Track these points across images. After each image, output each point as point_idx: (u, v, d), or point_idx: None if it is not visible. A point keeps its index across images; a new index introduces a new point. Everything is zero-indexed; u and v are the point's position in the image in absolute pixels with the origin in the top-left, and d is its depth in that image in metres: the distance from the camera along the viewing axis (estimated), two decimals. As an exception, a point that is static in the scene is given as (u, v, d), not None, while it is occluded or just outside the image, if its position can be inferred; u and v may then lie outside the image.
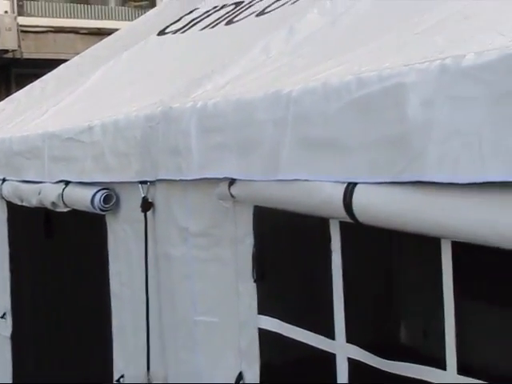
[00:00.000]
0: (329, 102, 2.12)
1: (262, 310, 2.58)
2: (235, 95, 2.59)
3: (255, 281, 2.57)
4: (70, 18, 14.68)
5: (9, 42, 13.35)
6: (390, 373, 2.05)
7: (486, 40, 1.87)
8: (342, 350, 2.25)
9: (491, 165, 1.64)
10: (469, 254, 1.85)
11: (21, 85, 6.57)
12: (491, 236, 1.67)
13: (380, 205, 1.94)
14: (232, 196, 2.51)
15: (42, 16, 14.44)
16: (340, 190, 2.05)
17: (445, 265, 1.91)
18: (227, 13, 4.48)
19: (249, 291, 2.59)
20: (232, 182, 2.48)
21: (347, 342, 2.24)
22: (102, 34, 11.29)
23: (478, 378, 1.85)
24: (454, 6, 2.44)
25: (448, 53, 1.89)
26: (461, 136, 1.71)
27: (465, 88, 1.73)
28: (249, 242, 2.57)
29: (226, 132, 2.50)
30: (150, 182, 2.92)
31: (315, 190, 2.14)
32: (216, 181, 2.56)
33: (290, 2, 4.06)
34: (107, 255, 3.30)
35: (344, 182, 2.04)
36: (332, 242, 2.28)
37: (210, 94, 2.78)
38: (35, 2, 14.51)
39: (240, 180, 2.45)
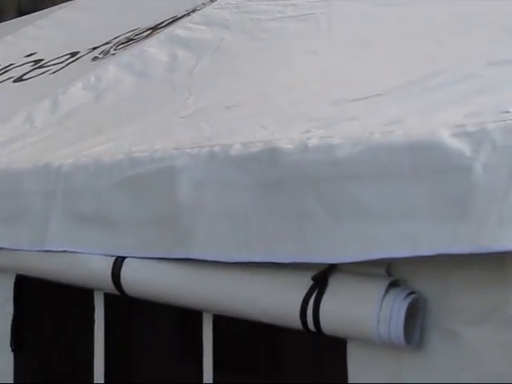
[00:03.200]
0: (100, 178, 2.22)
1: (18, 379, 2.58)
2: (1, 164, 2.61)
3: (13, 350, 2.58)
4: None
5: None
6: None
7: (249, 132, 2.07)
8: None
9: (255, 247, 1.82)
10: (229, 327, 2.01)
11: None
12: (252, 311, 1.84)
13: (148, 279, 2.06)
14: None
15: None
16: (109, 263, 2.14)
17: (205, 336, 2.06)
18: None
19: (5, 361, 2.59)
20: (-3, 250, 2.50)
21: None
22: None
23: None
24: (214, 96, 2.65)
25: (216, 141, 2.07)
26: (229, 219, 1.88)
27: (232, 175, 1.90)
28: (8, 309, 2.58)
29: (-8, 201, 2.52)
30: None
31: (83, 261, 2.22)
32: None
33: (49, 72, 4.12)
34: None
35: (113, 256, 2.14)
36: (96, 312, 2.35)
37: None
38: None
39: (4, 248, 2.47)
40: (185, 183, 1.99)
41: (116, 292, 2.16)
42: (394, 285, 1.67)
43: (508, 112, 1.58)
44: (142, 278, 2.09)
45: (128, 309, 2.32)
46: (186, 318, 2.17)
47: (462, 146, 1.54)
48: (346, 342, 1.77)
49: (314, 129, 1.90)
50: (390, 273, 1.70)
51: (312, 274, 1.75)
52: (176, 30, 3.53)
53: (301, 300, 1.75)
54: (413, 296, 1.64)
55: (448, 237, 1.49)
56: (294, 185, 1.77)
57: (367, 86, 2.17)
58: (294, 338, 1.89)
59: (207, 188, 1.94)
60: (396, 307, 1.62)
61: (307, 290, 1.75)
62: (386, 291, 1.64)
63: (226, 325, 2.02)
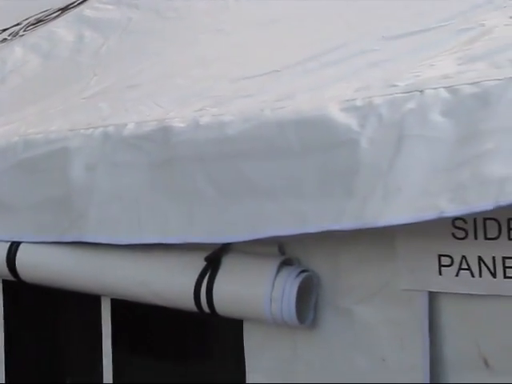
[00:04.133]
0: (-5, 162, 2.15)
1: None
2: None
3: None
4: None
5: None
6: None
7: (146, 111, 2.02)
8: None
9: (147, 228, 1.77)
10: (127, 308, 1.96)
11: None
12: (146, 294, 1.80)
13: (43, 264, 2.00)
14: None
15: None
16: (3, 248, 2.08)
17: (104, 320, 2.01)
18: None
19: None
20: None
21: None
22: None
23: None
24: (118, 76, 2.59)
25: (111, 121, 2.02)
26: (121, 200, 1.83)
27: (125, 155, 1.85)
28: None
29: None
30: None
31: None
32: None
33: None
34: None
35: (8, 241, 2.07)
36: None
37: None
38: None
39: None
40: (78, 164, 1.93)
41: (12, 278, 2.09)
42: (286, 263, 1.64)
43: (396, 86, 1.56)
44: (37, 263, 2.03)
45: (29, 295, 2.25)
46: (86, 303, 2.11)
47: (349, 120, 1.52)
48: (242, 323, 1.74)
49: (209, 107, 1.86)
50: (283, 251, 1.67)
51: (206, 254, 1.72)
52: (84, 10, 3.45)
53: (194, 281, 1.71)
54: (305, 274, 1.62)
55: (335, 213, 1.46)
56: (185, 164, 1.73)
57: (266, 63, 2.13)
58: (191, 320, 1.85)
59: (100, 169, 1.89)
60: (288, 286, 1.60)
61: (200, 271, 1.71)
62: (278, 270, 1.62)
63: (124, 308, 1.97)
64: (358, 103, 1.55)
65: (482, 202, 1.26)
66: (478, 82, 1.43)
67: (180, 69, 2.46)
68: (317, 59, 1.98)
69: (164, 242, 1.74)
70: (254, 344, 1.74)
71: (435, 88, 1.48)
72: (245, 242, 1.64)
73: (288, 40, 2.34)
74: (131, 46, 2.98)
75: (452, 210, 1.29)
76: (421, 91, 1.49)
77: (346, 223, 1.44)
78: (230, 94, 1.96)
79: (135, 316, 1.99)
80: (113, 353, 2.00)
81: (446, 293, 1.49)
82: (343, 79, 1.76)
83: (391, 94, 1.53)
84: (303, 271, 1.62)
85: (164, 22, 3.12)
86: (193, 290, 1.71)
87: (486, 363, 1.46)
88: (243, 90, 1.95)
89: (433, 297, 1.50)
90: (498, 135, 1.32)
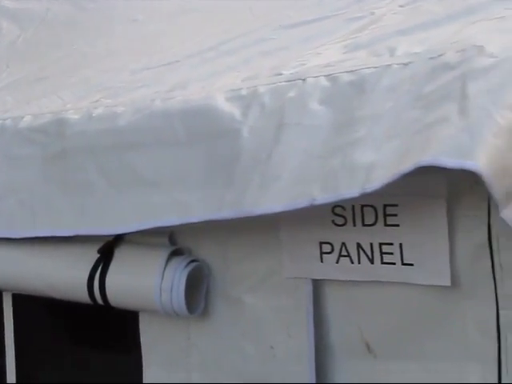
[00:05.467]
0: None
1: None
2: None
3: None
4: None
5: None
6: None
7: (46, 103, 2.01)
8: None
9: (41, 220, 1.76)
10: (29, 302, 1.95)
11: None
12: (42, 287, 1.78)
13: None
14: None
15: None
16: None
17: (6, 314, 1.99)
18: None
19: None
20: None
21: None
22: None
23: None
24: (30, 69, 2.57)
25: (11, 113, 1.99)
26: (16, 193, 1.81)
27: (20, 148, 1.83)
28: None
29: None
30: None
31: None
32: None
33: None
34: None
35: None
36: None
37: None
38: None
39: None
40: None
41: None
42: (177, 254, 1.64)
43: (281, 74, 1.57)
44: None
45: None
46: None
47: (233, 109, 1.52)
48: (138, 315, 1.74)
49: (104, 98, 1.85)
50: (174, 242, 1.67)
51: (99, 246, 1.71)
52: (3, 1, 3.40)
53: (87, 274, 1.70)
54: (194, 264, 1.62)
55: (216, 203, 1.46)
56: (77, 156, 1.72)
57: (170, 54, 2.13)
58: (91, 312, 1.84)
59: (-4, 163, 1.87)
60: (177, 276, 1.60)
61: (93, 263, 1.70)
62: (168, 261, 1.62)
63: (25, 302, 1.96)
64: (243, 92, 1.55)
65: (349, 189, 1.26)
66: (356, 70, 1.44)
67: (90, 60, 2.45)
68: (216, 49, 1.98)
69: (56, 234, 1.72)
70: (149, 335, 1.74)
71: (316, 76, 1.49)
72: (137, 233, 1.64)
73: (196, 30, 2.34)
74: (47, 37, 2.95)
75: (322, 197, 1.30)
76: (303, 80, 1.50)
77: (226, 212, 1.44)
78: (127, 85, 1.95)
79: (37, 311, 1.98)
80: (15, 349, 1.98)
81: (330, 280, 1.50)
82: (235, 68, 1.76)
83: (275, 83, 1.53)
84: (193, 261, 1.62)
85: (82, 13, 3.09)
86: (86, 283, 1.70)
87: (369, 348, 1.48)
88: (141, 80, 1.95)
89: (317, 284, 1.51)
90: (369, 122, 1.33)
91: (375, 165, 1.26)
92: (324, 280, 1.51)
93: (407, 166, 1.18)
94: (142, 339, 1.75)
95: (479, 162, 1.11)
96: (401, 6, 1.79)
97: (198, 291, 1.64)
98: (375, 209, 1.40)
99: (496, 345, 1.33)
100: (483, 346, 1.35)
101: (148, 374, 1.75)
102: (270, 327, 1.56)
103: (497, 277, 1.32)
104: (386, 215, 1.39)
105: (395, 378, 1.46)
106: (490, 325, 1.34)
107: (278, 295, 1.55)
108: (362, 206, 1.41)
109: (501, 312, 1.32)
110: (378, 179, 1.23)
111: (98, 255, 1.70)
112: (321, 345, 1.53)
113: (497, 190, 1.13)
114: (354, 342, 1.49)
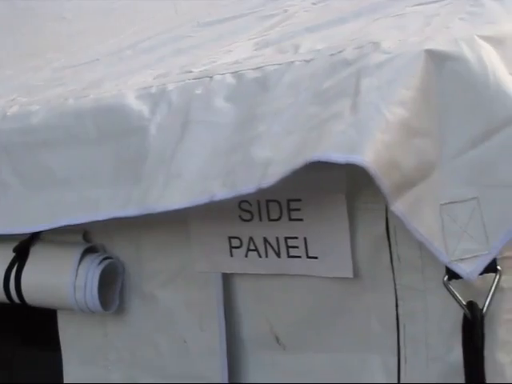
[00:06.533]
0: None
1: None
2: None
3: None
4: None
5: None
6: None
7: None
8: None
9: None
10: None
11: None
12: None
13: None
14: None
15: None
16: None
17: None
18: None
19: None
20: None
21: None
22: None
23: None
24: None
25: None
26: None
27: None
28: None
29: None
30: None
31: None
32: None
33: None
34: None
35: None
36: None
37: None
38: None
39: None
40: None
41: None
42: (92, 251, 1.65)
43: (191, 72, 1.58)
44: None
45: None
46: None
47: (142, 107, 1.53)
48: (56, 313, 1.75)
49: (20, 97, 1.85)
50: (89, 239, 1.68)
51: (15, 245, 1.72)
52: None
53: (3, 273, 1.71)
54: (108, 261, 1.63)
55: (123, 200, 1.48)
56: (-8, 155, 1.72)
57: (92, 52, 2.14)
58: (11, 311, 1.85)
59: None
60: (90, 274, 1.61)
61: (9, 262, 1.70)
62: (82, 259, 1.62)
63: None
64: (153, 90, 1.56)
65: (246, 185, 1.28)
66: (261, 67, 1.46)
67: (14, 59, 2.44)
68: (134, 47, 1.99)
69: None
70: (68, 333, 1.75)
71: (223, 74, 1.50)
72: (52, 232, 1.64)
73: (120, 28, 2.35)
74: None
75: (222, 193, 1.32)
76: (210, 77, 1.52)
77: (131, 210, 1.45)
78: (47, 83, 1.95)
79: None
80: None
81: (239, 274, 1.52)
82: (150, 66, 1.77)
83: (184, 81, 1.55)
84: (107, 258, 1.63)
85: (14, 11, 3.08)
86: (2, 282, 1.70)
87: (278, 341, 1.50)
88: (61, 79, 1.95)
89: (227, 278, 1.53)
90: (269, 119, 1.35)
91: (272, 161, 1.28)
92: (234, 274, 1.53)
93: (299, 161, 1.20)
94: (61, 337, 1.75)
95: (366, 156, 1.14)
96: (313, 4, 1.82)
97: (113, 288, 1.65)
98: (280, 204, 1.42)
99: (395, 335, 1.36)
100: (384, 336, 1.38)
101: (68, 372, 1.76)
102: (183, 322, 1.58)
103: (395, 268, 1.35)
104: (290, 210, 1.42)
105: (304, 369, 1.48)
106: (390, 316, 1.37)
107: (189, 290, 1.56)
108: (267, 201, 1.43)
109: (399, 303, 1.35)
110: (274, 175, 1.25)
111: (14, 254, 1.70)
112: (233, 338, 1.55)
113: (384, 183, 1.16)
114: (264, 334, 1.51)
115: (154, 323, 1.62)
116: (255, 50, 1.62)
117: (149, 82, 1.62)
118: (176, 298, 1.59)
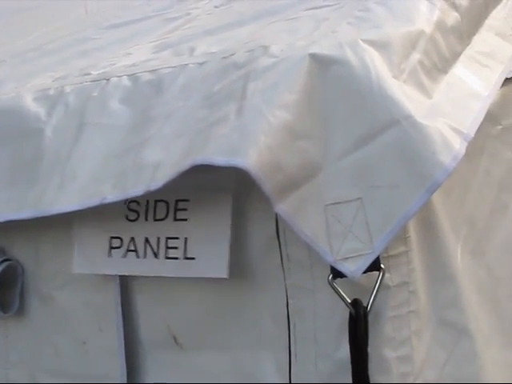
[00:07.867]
0: None
1: None
2: None
3: None
4: None
5: None
6: None
7: None
8: None
9: None
10: None
11: None
12: None
13: None
14: None
15: None
16: None
17: None
18: None
19: None
20: None
21: None
22: None
23: None
24: None
25: None
26: None
27: None
28: None
29: None
30: None
31: None
32: None
33: None
34: None
35: None
36: None
37: None
38: None
39: None
40: None
41: None
42: (-8, 254, 1.65)
43: (89, 74, 1.59)
44: None
45: None
46: None
47: (39, 109, 1.54)
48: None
49: None
50: (-10, 242, 1.68)
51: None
52: None
53: None
54: (6, 263, 1.63)
55: (18, 203, 1.48)
56: None
57: (0, 52, 2.12)
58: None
59: None
60: (-11, 276, 1.60)
61: None
62: (-17, 261, 1.62)
63: None
64: (51, 92, 1.57)
65: (136, 187, 1.30)
66: (156, 70, 1.48)
67: None
68: (39, 49, 1.98)
69: None
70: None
71: (119, 76, 1.52)
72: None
73: (30, 29, 2.33)
74: None
75: (112, 196, 1.33)
76: (108, 79, 1.53)
77: (26, 212, 1.46)
78: None
79: None
80: None
81: (138, 276, 1.53)
82: (52, 68, 1.77)
83: (81, 83, 1.56)
84: (5, 260, 1.63)
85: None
86: None
87: (176, 340, 1.52)
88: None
89: (125, 279, 1.54)
90: (161, 121, 1.37)
91: (161, 164, 1.29)
92: (132, 275, 1.53)
93: (185, 164, 1.22)
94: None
95: (247, 159, 1.16)
96: (216, 7, 1.83)
97: (13, 290, 1.64)
98: (168, 204, 1.43)
99: (287, 333, 1.39)
100: (276, 335, 1.40)
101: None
102: (82, 323, 1.58)
103: (285, 268, 1.38)
104: (176, 210, 1.42)
105: (201, 368, 1.50)
106: (281, 314, 1.39)
107: (88, 291, 1.57)
108: (156, 202, 1.44)
109: (289, 301, 1.38)
110: (163, 178, 1.27)
111: None
112: (132, 338, 1.56)
113: (266, 185, 1.19)
114: (162, 334, 1.53)
115: (54, 324, 1.62)
116: (153, 52, 1.63)
117: (48, 85, 1.62)
118: (74, 299, 1.59)
